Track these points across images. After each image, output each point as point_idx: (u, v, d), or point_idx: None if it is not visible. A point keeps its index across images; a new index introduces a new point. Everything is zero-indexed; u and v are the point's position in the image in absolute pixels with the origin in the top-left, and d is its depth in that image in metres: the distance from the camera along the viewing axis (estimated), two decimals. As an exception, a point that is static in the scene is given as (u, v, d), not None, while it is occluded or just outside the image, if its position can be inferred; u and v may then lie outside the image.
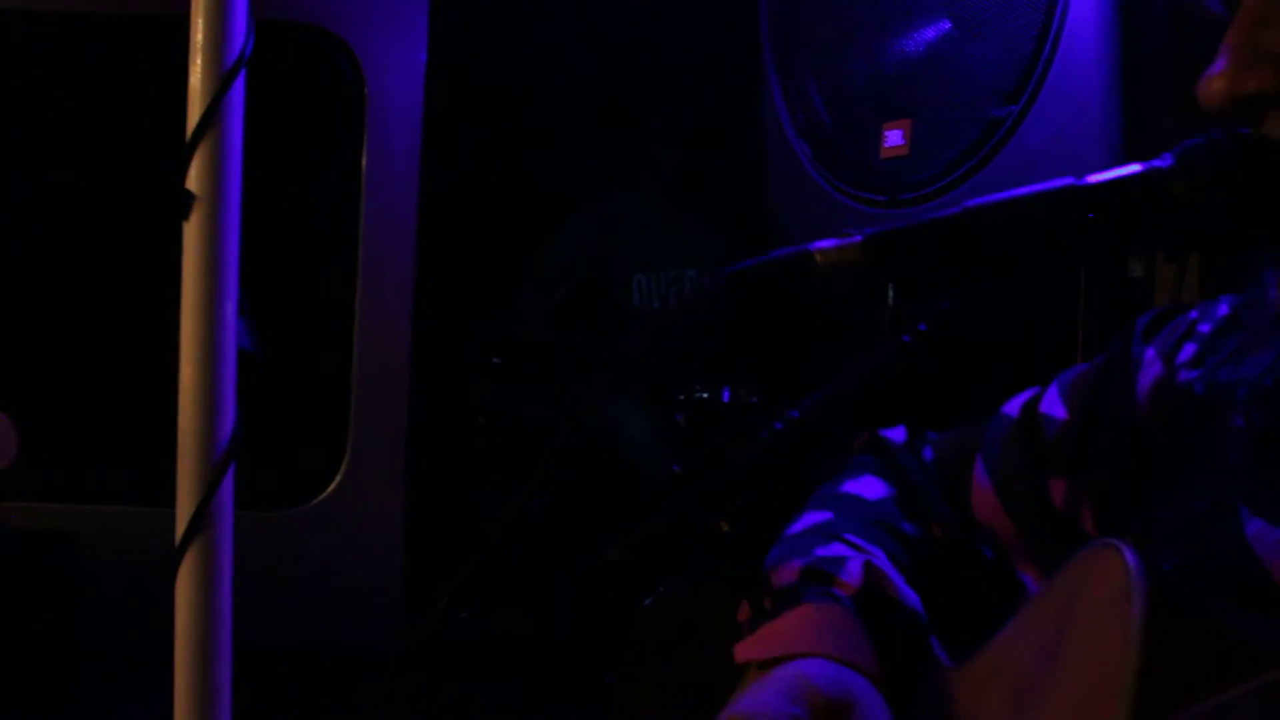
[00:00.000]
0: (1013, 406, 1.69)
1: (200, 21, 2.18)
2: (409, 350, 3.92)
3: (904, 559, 1.68)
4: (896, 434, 1.83)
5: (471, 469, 4.73)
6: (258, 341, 2.34)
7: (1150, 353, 1.53)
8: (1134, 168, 1.26)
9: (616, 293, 4.99)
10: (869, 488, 1.75)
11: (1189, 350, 1.50)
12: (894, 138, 2.41)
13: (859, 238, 1.27)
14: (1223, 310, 1.50)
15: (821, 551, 1.62)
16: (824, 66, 2.61)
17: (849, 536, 1.65)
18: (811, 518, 1.72)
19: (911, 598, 1.60)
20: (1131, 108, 2.10)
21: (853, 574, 1.58)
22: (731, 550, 3.31)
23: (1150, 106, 2.10)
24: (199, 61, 2.18)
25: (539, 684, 3.92)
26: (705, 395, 4.31)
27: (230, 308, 2.22)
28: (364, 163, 3.88)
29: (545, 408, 4.84)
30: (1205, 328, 1.50)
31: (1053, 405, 1.63)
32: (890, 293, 2.66)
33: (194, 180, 2.19)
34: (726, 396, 3.93)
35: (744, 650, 1.54)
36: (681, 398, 4.35)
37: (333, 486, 3.88)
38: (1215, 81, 1.27)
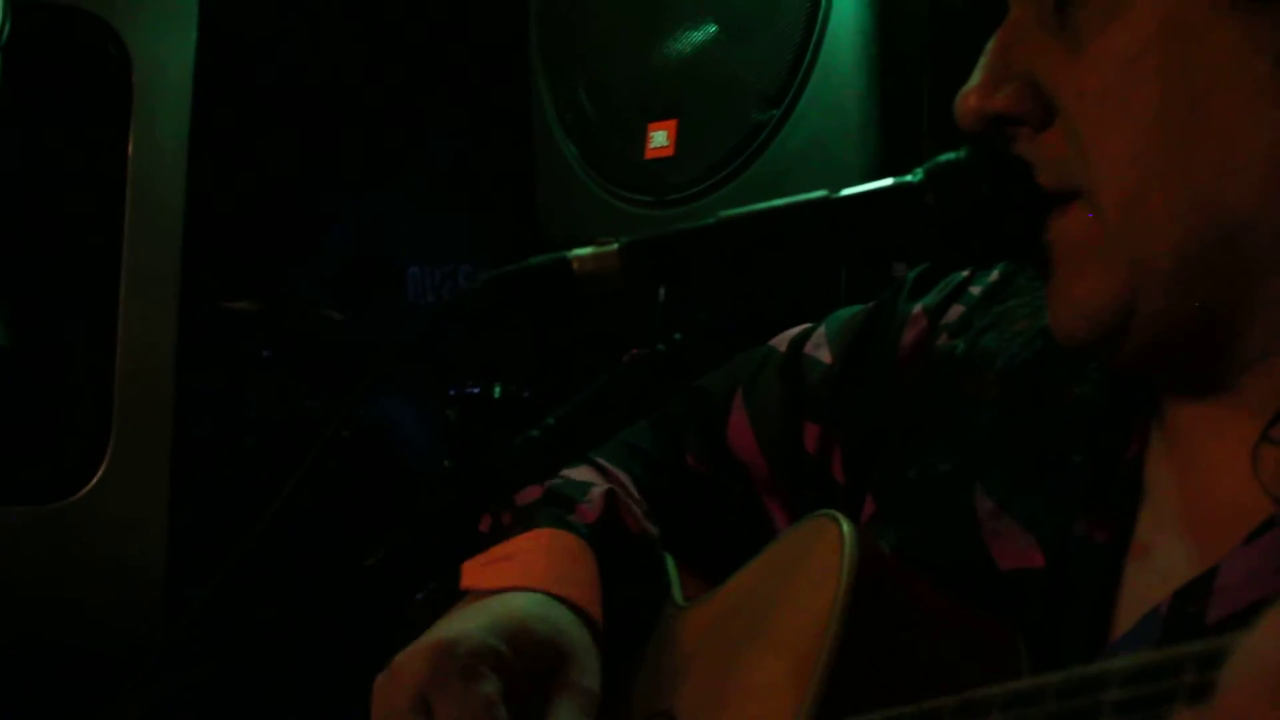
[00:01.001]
0: (780, 340, 1.70)
1: (-47, 5, 2.12)
2: (175, 342, 3.84)
3: (650, 484, 1.70)
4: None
5: (240, 464, 4.66)
6: (9, 334, 2.28)
7: (917, 308, 1.56)
8: (886, 182, 1.28)
9: (391, 286, 4.96)
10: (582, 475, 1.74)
11: (955, 312, 1.53)
12: (659, 138, 2.43)
13: (616, 245, 1.27)
14: (994, 276, 1.53)
15: (568, 473, 1.62)
16: (591, 66, 2.62)
17: (597, 459, 1.66)
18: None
19: (649, 531, 1.62)
20: (888, 115, 2.14)
21: (593, 502, 1.59)
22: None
23: (907, 115, 2.15)
24: (-49, 45, 2.12)
25: (303, 683, 3.88)
26: (476, 390, 4.31)
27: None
28: (130, 149, 3.80)
29: (316, 402, 4.79)
30: (976, 289, 1.53)
31: (819, 347, 1.64)
32: (660, 292, 2.68)
33: (-56, 169, 2.13)
34: (498, 392, 3.94)
35: (471, 573, 1.56)
36: (453, 392, 4.35)
37: (94, 481, 3.80)
38: (968, 99, 1.28)
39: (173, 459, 3.82)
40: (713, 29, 2.37)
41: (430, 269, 4.95)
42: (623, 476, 1.66)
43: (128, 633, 3.75)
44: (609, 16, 2.57)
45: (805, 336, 1.68)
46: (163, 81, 3.82)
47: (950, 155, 1.28)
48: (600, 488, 1.61)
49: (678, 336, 1.29)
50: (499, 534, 1.58)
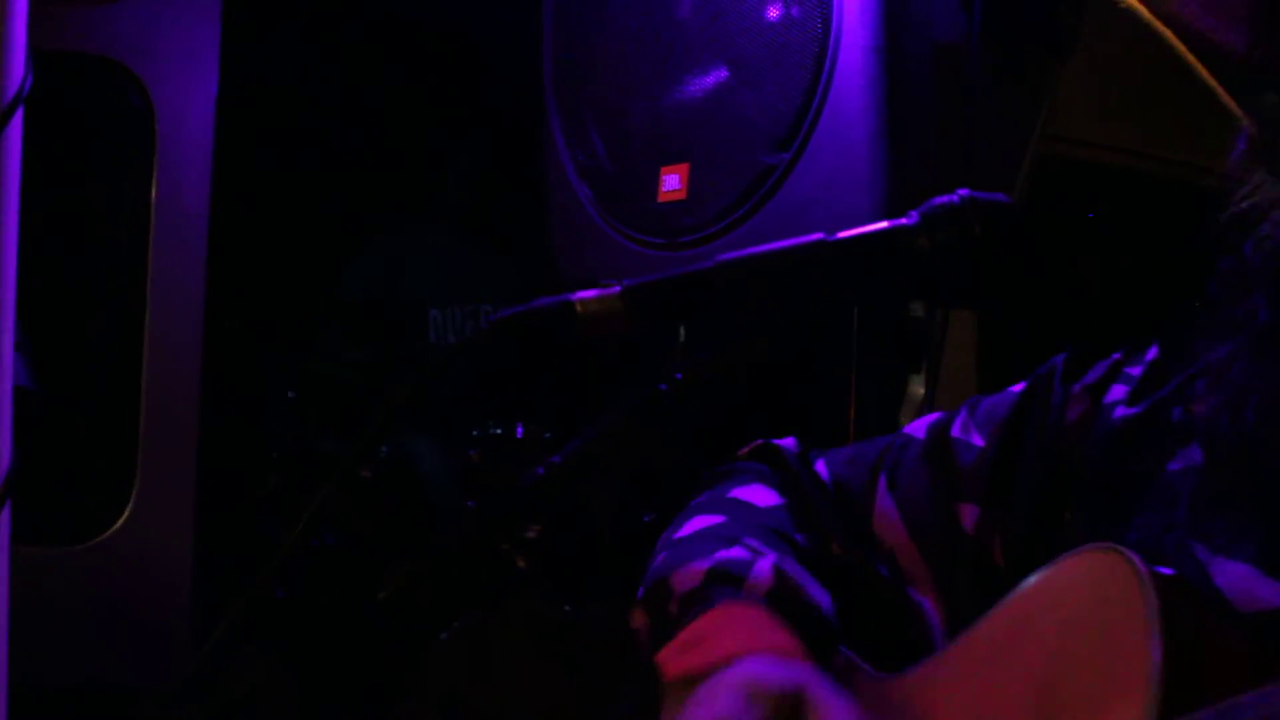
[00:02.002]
0: (916, 428, 1.68)
1: (-25, 56, 2.16)
2: (198, 384, 3.88)
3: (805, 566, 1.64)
4: (788, 443, 1.79)
5: (263, 504, 4.69)
6: (36, 377, 2.31)
7: (1076, 388, 1.54)
8: (881, 225, 1.30)
9: (413, 327, 4.99)
10: (758, 495, 1.71)
11: (1118, 391, 1.51)
12: (671, 182, 2.44)
13: (618, 289, 1.29)
14: (1152, 354, 1.52)
15: (724, 554, 1.58)
16: (605, 109, 2.64)
17: (747, 540, 1.60)
18: (701, 521, 1.68)
19: (824, 598, 1.57)
20: (896, 157, 2.16)
21: (762, 574, 1.55)
22: (526, 585, 3.34)
23: (913, 157, 2.17)
24: (-26, 97, 2.16)
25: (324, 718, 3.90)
26: (498, 431, 4.33)
27: (6, 344, 2.20)
28: (154, 194, 3.84)
29: (339, 442, 4.82)
30: (1134, 370, 1.52)
31: (966, 431, 1.62)
32: (681, 331, 2.70)
33: (-32, 219, 2.16)
34: (520, 432, 3.96)
35: (674, 662, 1.50)
36: (475, 433, 4.37)
37: (121, 522, 3.83)
38: None
39: (198, 499, 3.85)
40: (723, 73, 2.39)
41: (451, 310, 4.98)
42: (778, 554, 1.61)
43: (153, 672, 3.77)
44: (621, 61, 2.59)
45: (947, 421, 1.66)
46: (185, 129, 3.86)
47: (944, 198, 1.30)
48: (766, 558, 1.57)
49: (679, 376, 1.31)
50: (668, 625, 1.54)
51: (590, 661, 3.03)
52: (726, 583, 1.54)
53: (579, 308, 1.29)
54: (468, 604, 3.27)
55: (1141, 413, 1.47)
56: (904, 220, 1.30)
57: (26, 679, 2.22)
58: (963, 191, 1.30)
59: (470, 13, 4.65)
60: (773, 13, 2.31)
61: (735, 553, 1.58)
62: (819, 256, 1.29)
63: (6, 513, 2.19)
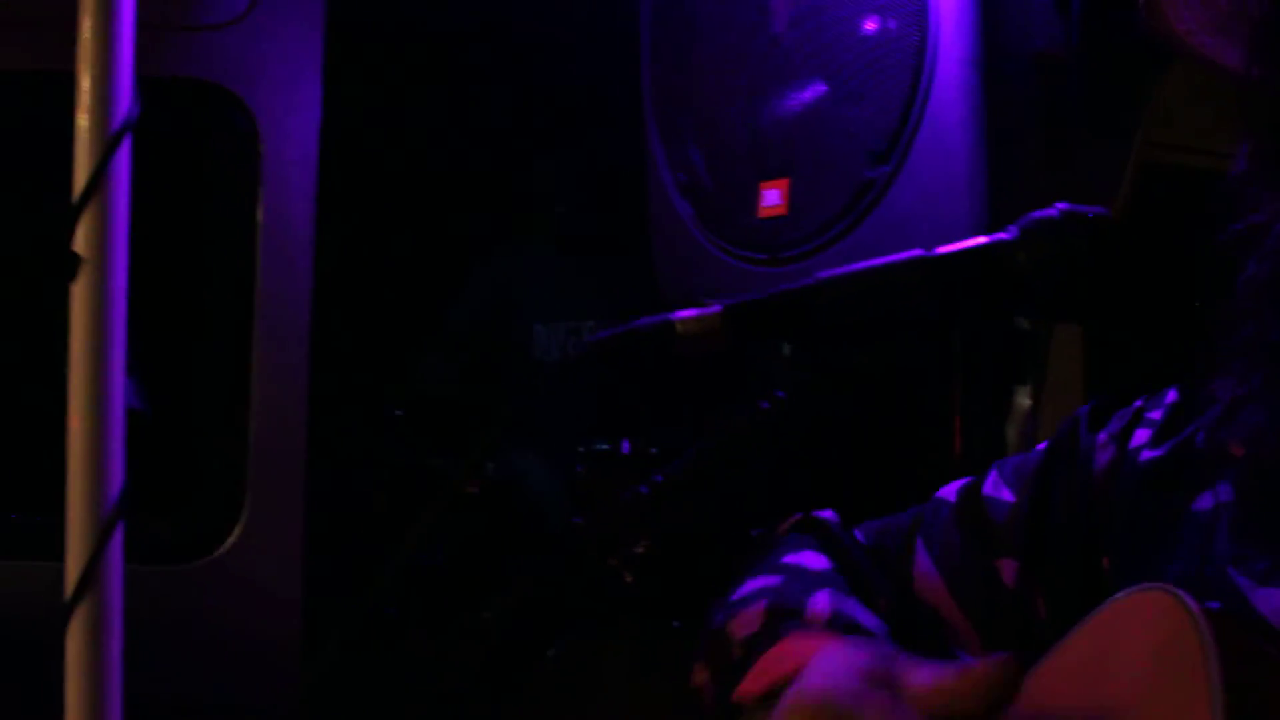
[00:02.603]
0: (948, 492, 1.67)
1: (86, 84, 2.20)
2: (306, 403, 3.92)
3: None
4: (828, 514, 1.78)
5: (371, 523, 4.73)
6: (147, 399, 2.36)
7: (1102, 437, 1.54)
8: (980, 240, 1.29)
9: (517, 344, 5.02)
10: (811, 559, 1.70)
11: (1142, 435, 1.51)
12: (771, 197, 2.45)
13: (718, 308, 1.29)
14: (1171, 397, 1.52)
15: (778, 598, 1.57)
16: (704, 127, 2.64)
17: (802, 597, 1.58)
18: (757, 583, 1.67)
19: (881, 627, 1.56)
20: (996, 169, 2.15)
21: (820, 604, 1.53)
22: (634, 601, 3.34)
23: (1014, 168, 2.16)
24: (85, 124, 2.20)
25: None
26: (605, 447, 4.34)
27: (118, 368, 2.24)
28: (260, 217, 3.89)
29: (445, 460, 4.85)
30: (1155, 414, 1.51)
31: (998, 488, 1.62)
32: (785, 348, 2.69)
33: (81, 243, 2.20)
34: (626, 448, 3.96)
35: (749, 685, 1.46)
36: (582, 449, 4.38)
37: (231, 540, 3.87)
38: None
39: (306, 518, 3.89)
40: (822, 88, 2.39)
41: (555, 326, 5.00)
42: (830, 589, 1.59)
43: (263, 692, 3.81)
44: (719, 78, 2.60)
45: (978, 483, 1.65)
46: (290, 152, 3.91)
47: (1043, 212, 1.29)
48: (821, 593, 1.56)
49: (781, 394, 1.31)
50: (733, 671, 1.51)
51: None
52: (787, 617, 1.53)
53: (679, 327, 1.29)
54: (575, 621, 3.28)
55: (1165, 454, 1.47)
56: (1002, 235, 1.29)
57: (138, 699, 2.26)
58: (1061, 205, 1.29)
59: (570, 33, 4.67)
60: (870, 26, 2.31)
61: (788, 591, 1.57)
62: (918, 272, 1.29)
63: (119, 535, 2.23)
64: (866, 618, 1.55)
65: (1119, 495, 1.50)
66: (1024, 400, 2.64)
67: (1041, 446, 1.62)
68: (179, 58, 3.83)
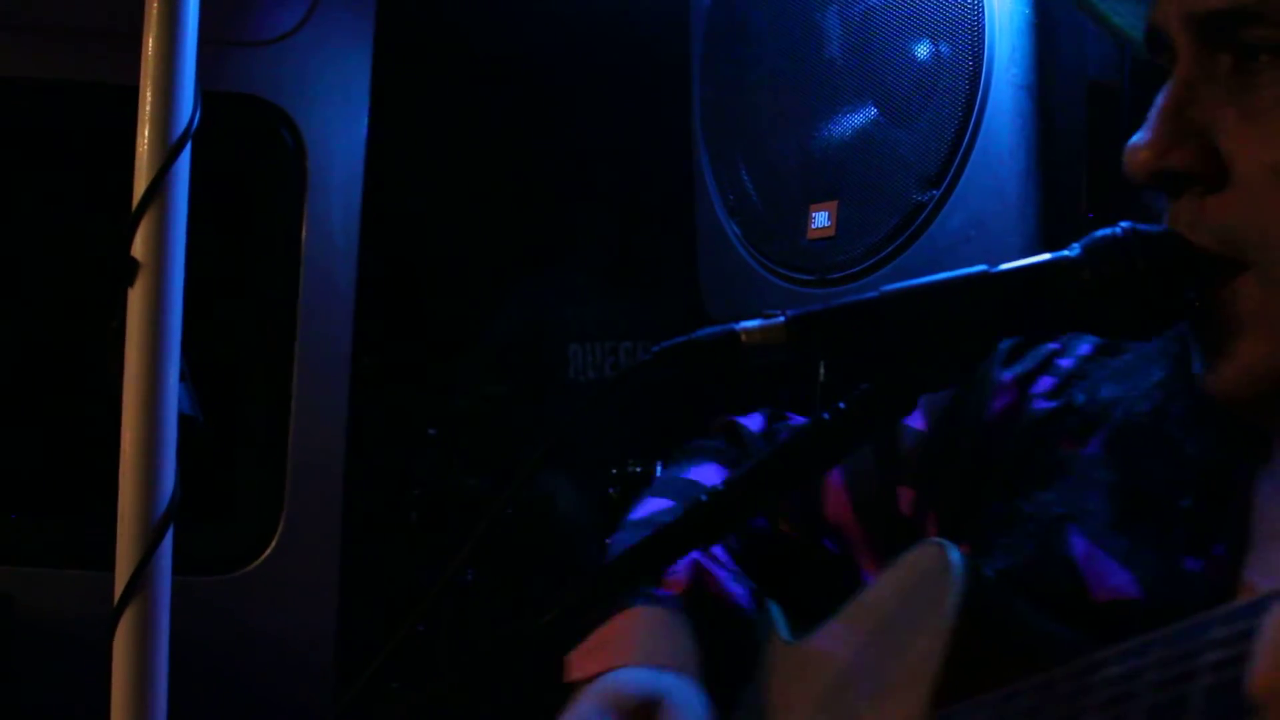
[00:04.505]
0: None
1: (149, 93, 2.23)
2: (346, 418, 3.94)
3: (742, 551, 1.75)
4: (752, 421, 1.87)
5: (406, 539, 4.74)
6: (197, 405, 2.38)
7: (1007, 376, 1.57)
8: (1044, 257, 1.30)
9: (553, 364, 5.03)
10: (711, 475, 1.80)
11: (1046, 383, 1.54)
12: (821, 219, 2.45)
13: (783, 318, 1.30)
14: (1084, 349, 1.55)
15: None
16: (754, 149, 2.65)
17: None
18: (652, 504, 1.79)
19: (738, 594, 1.68)
20: (1047, 195, 2.15)
21: (679, 573, 1.67)
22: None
23: (1065, 194, 2.16)
24: (146, 132, 2.23)
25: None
26: (639, 469, 4.35)
27: (172, 373, 2.26)
28: (304, 232, 3.91)
29: (480, 479, 4.86)
30: (1065, 363, 1.55)
31: (914, 416, 1.65)
32: (820, 370, 2.69)
33: (139, 248, 2.23)
34: (659, 470, 3.97)
35: (574, 666, 1.61)
36: (615, 471, 4.39)
37: (267, 553, 3.89)
38: (1140, 153, 1.27)
39: (343, 532, 3.91)
40: (873, 111, 2.40)
41: (591, 346, 5.01)
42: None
43: (299, 701, 3.83)
44: (770, 100, 2.61)
45: None
46: (335, 168, 3.94)
47: (1107, 231, 1.30)
48: (686, 558, 1.67)
49: (842, 405, 1.32)
50: (602, 620, 1.66)
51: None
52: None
53: (744, 337, 1.29)
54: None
55: (1059, 407, 1.50)
56: (1066, 252, 1.30)
57: (176, 705, 2.28)
58: (1125, 223, 1.29)
59: (618, 53, 4.69)
60: (922, 51, 2.32)
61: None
62: (983, 288, 1.29)
63: (169, 539, 2.25)
64: (730, 584, 1.69)
65: (1011, 440, 1.54)
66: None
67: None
68: (229, 73, 3.87)
